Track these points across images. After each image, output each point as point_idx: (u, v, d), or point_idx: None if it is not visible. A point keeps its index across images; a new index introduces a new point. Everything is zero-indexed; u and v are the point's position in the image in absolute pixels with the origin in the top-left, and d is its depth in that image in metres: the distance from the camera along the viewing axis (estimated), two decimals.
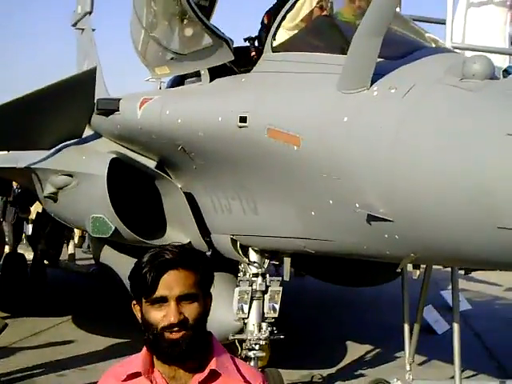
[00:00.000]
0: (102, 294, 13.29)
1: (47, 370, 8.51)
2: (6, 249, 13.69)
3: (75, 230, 16.63)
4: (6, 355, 9.02)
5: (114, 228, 7.66)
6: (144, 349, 2.49)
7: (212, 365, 2.44)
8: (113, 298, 12.01)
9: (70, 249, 18.30)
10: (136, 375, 2.46)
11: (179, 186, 7.63)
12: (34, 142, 8.58)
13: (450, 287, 15.08)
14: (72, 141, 8.77)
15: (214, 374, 2.44)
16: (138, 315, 2.47)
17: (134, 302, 2.47)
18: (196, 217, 7.49)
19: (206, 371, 2.43)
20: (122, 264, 9.70)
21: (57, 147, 8.66)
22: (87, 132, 8.97)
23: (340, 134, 4.95)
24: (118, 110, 7.95)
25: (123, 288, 9.37)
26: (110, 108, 8.02)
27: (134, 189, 8.02)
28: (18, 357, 9.09)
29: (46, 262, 14.22)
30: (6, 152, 10.06)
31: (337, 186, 5.01)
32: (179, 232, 7.79)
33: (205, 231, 7.52)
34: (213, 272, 2.52)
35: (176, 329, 2.35)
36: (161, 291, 2.35)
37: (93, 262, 11.74)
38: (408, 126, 4.43)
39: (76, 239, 19.03)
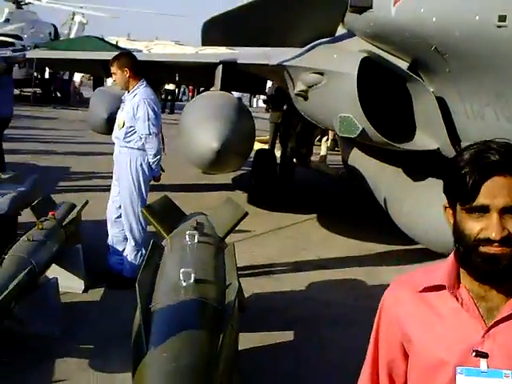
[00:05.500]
0: (349, 198, 13.32)
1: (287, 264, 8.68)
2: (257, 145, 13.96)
3: (329, 132, 16.70)
4: (251, 245, 9.36)
5: (361, 128, 7.50)
6: (450, 259, 2.14)
7: None
8: (359, 202, 12.02)
9: (323, 150, 18.47)
10: (437, 288, 2.13)
11: (431, 90, 7.29)
12: (285, 39, 8.56)
13: None
14: (325, 39, 8.65)
15: None
16: (450, 221, 2.11)
17: (447, 204, 2.12)
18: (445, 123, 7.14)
19: None
20: (369, 167, 9.59)
21: (309, 45, 8.59)
22: (340, 30, 8.79)
23: None
24: (371, 8, 7.60)
25: (369, 192, 9.30)
26: (363, 5, 7.73)
27: (383, 90, 7.79)
28: (262, 248, 9.37)
29: (295, 161, 14.43)
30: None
31: None
32: (429, 137, 7.48)
33: (453, 139, 7.16)
34: None
35: (496, 244, 1.96)
36: (482, 199, 1.96)
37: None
38: None
39: (328, 142, 19.13)
